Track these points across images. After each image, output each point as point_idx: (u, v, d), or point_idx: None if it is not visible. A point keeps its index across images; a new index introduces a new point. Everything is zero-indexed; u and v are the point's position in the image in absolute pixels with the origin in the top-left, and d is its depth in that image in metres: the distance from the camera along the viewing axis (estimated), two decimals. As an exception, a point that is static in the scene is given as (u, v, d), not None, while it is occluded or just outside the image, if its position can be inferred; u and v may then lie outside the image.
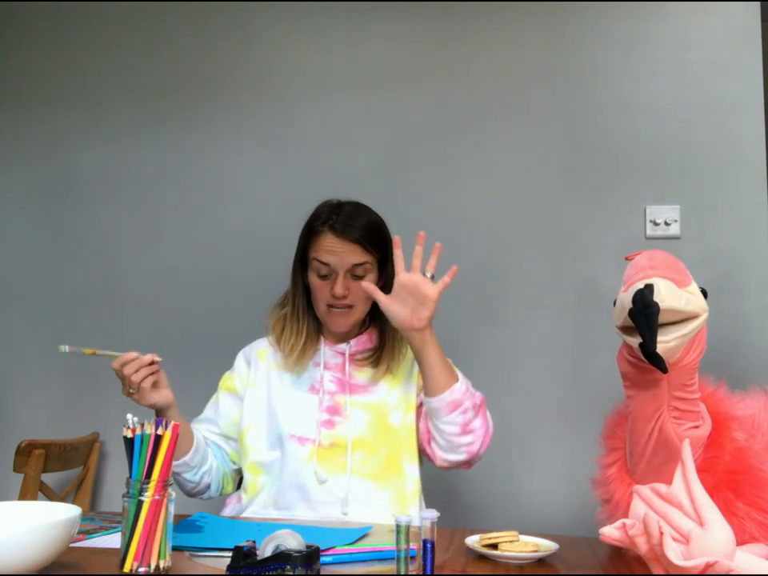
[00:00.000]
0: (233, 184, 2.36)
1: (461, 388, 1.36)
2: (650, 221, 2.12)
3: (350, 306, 1.44)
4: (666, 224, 2.11)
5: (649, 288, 0.91)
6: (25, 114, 2.50)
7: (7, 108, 2.52)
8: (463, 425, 1.36)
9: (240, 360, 1.55)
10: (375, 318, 1.52)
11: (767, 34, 2.33)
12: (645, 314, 0.90)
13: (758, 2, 2.12)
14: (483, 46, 2.26)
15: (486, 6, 2.26)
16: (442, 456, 1.40)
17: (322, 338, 1.51)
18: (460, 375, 1.41)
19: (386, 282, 1.49)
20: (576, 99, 2.20)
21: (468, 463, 1.42)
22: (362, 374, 1.48)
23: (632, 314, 0.92)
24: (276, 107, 2.35)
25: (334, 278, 1.42)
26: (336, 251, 1.41)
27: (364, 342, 1.50)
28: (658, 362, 0.92)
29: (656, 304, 0.90)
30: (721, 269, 2.06)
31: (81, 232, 2.43)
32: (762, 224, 2.08)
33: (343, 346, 1.49)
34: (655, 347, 0.91)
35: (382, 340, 1.50)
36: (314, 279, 1.45)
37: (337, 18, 2.34)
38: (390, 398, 1.46)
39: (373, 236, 1.45)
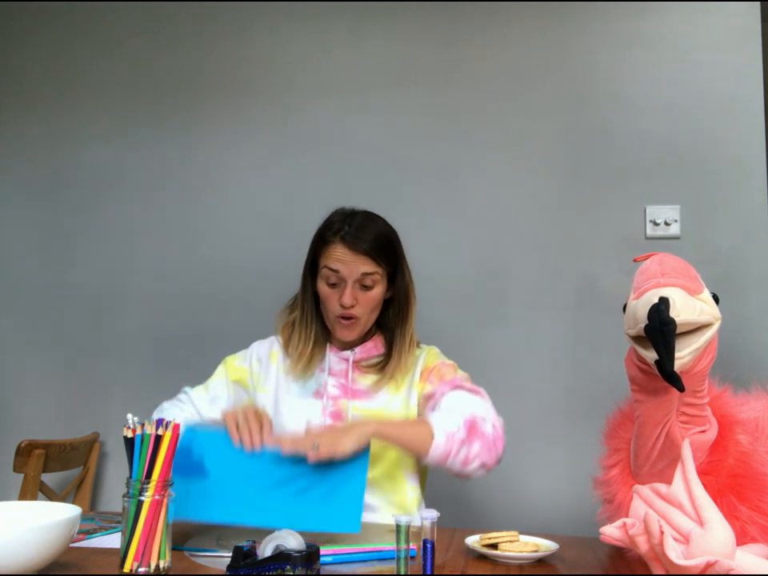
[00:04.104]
0: (234, 183, 2.36)
1: (439, 442, 1.26)
2: (650, 221, 2.12)
3: (357, 318, 1.44)
4: (666, 224, 2.10)
5: (664, 303, 0.88)
6: (25, 113, 2.51)
7: (7, 107, 2.52)
8: (463, 462, 1.28)
9: (253, 355, 1.55)
10: (381, 325, 1.52)
11: (767, 33, 2.33)
12: (662, 332, 0.88)
13: (758, 2, 2.12)
14: (484, 46, 2.26)
15: (486, 6, 2.26)
16: (464, 479, 1.34)
17: (328, 344, 1.52)
18: (435, 428, 1.27)
19: (393, 294, 1.50)
20: (576, 99, 2.20)
21: (490, 469, 1.35)
22: (366, 380, 1.49)
23: (648, 330, 0.90)
24: (277, 107, 2.35)
25: (343, 287, 1.42)
26: (346, 261, 1.41)
27: (369, 349, 1.50)
28: (675, 381, 0.90)
29: (673, 321, 0.88)
30: (721, 269, 2.06)
31: (81, 231, 2.43)
32: (762, 224, 2.08)
33: (347, 353, 1.50)
34: (673, 366, 0.89)
35: (390, 349, 1.49)
36: (323, 287, 1.45)
37: (337, 18, 2.34)
38: (392, 405, 1.47)
39: (383, 248, 1.44)
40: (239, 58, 2.39)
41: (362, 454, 1.19)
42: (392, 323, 1.51)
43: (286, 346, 1.52)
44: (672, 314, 0.88)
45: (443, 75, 2.27)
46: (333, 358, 1.50)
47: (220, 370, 1.55)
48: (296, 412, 1.46)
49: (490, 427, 1.33)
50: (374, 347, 1.50)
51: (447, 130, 2.25)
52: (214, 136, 2.38)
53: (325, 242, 1.44)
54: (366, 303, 1.43)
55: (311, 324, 1.50)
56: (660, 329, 0.88)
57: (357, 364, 1.49)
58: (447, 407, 1.36)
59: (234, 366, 1.54)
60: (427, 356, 1.52)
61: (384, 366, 1.48)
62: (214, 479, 1.18)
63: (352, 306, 1.42)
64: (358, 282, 1.42)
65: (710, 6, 2.15)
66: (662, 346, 0.88)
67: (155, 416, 1.35)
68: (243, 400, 1.51)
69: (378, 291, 1.44)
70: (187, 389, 1.54)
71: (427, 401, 1.45)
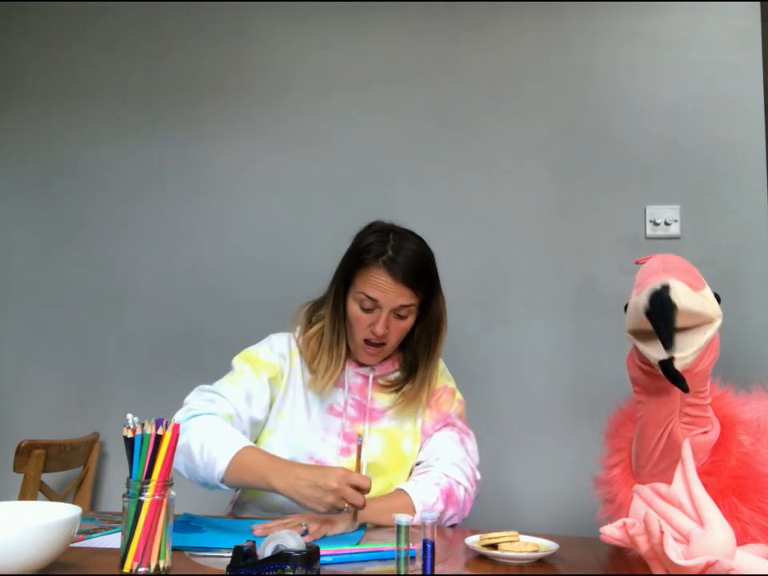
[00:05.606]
0: (233, 182, 2.36)
1: (420, 510, 1.30)
2: (650, 221, 2.12)
3: (384, 344, 1.42)
4: (666, 224, 2.10)
5: (665, 288, 0.87)
6: (26, 113, 2.50)
7: (7, 107, 2.52)
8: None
9: (275, 349, 1.48)
10: (401, 344, 1.49)
11: (767, 33, 2.33)
12: (663, 314, 0.86)
13: (758, 2, 2.12)
14: (484, 45, 2.26)
15: (487, 5, 2.26)
16: None
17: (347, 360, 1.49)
18: (415, 503, 1.31)
19: (420, 319, 1.46)
20: (576, 99, 2.20)
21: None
22: (383, 398, 1.48)
23: (649, 313, 0.88)
24: (277, 106, 2.35)
25: (378, 314, 1.38)
26: (386, 290, 1.36)
27: (387, 366, 1.49)
28: (679, 382, 0.88)
29: (674, 304, 0.86)
30: (721, 269, 2.06)
31: (80, 231, 2.43)
32: (762, 224, 2.08)
33: (366, 370, 1.48)
34: (673, 345, 0.87)
35: (410, 372, 1.48)
36: (355, 309, 1.40)
37: (338, 17, 2.34)
38: (404, 424, 1.47)
39: (423, 278, 1.41)
40: (238, 57, 2.39)
41: (355, 532, 1.23)
42: (417, 348, 1.48)
43: (312, 360, 1.46)
44: (674, 298, 0.87)
45: (443, 75, 2.27)
46: (350, 371, 1.48)
47: (244, 367, 1.45)
48: (312, 428, 1.43)
49: (462, 492, 1.40)
50: (391, 364, 1.49)
51: (447, 129, 2.25)
52: (213, 135, 2.38)
53: (364, 264, 1.39)
54: (396, 331, 1.41)
55: (341, 344, 1.45)
56: (661, 311, 0.87)
57: (375, 380, 1.48)
58: (425, 477, 1.38)
59: (261, 361, 1.46)
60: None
61: (402, 387, 1.47)
62: (212, 535, 1.18)
63: (384, 335, 1.39)
64: (394, 312, 1.39)
65: (710, 6, 2.15)
66: (663, 328, 0.87)
67: (183, 416, 1.34)
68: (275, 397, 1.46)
69: (410, 321, 1.42)
70: (206, 386, 1.43)
71: (421, 431, 1.48)
